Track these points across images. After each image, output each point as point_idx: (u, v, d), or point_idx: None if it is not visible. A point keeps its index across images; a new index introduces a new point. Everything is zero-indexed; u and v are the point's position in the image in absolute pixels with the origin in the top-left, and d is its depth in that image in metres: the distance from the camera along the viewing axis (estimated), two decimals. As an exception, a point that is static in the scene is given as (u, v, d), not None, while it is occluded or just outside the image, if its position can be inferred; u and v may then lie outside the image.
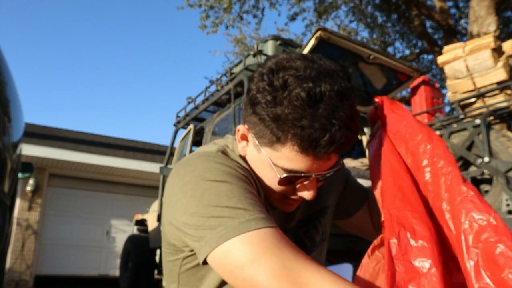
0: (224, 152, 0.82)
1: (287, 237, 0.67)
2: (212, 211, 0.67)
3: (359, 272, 0.70)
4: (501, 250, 0.55)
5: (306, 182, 0.76)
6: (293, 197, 0.80)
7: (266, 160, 0.75)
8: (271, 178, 0.77)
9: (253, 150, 0.79)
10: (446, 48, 3.82)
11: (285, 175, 0.73)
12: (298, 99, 0.66)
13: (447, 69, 3.71)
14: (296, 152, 0.69)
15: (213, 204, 0.67)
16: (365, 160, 3.50)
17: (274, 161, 0.73)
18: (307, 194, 0.76)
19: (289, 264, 0.60)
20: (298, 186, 0.77)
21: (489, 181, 2.88)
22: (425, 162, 0.73)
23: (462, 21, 10.11)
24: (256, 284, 0.60)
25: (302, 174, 0.72)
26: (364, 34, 16.01)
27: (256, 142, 0.76)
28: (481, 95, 3.39)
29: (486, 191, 2.90)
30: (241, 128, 0.80)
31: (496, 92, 3.35)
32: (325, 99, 0.67)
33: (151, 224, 5.64)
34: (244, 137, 0.81)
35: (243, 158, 0.84)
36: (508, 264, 0.53)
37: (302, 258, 0.61)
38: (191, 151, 4.17)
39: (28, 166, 3.12)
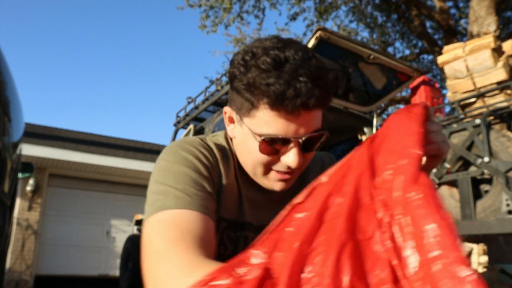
0: (202, 139, 0.86)
1: (212, 229, 0.68)
2: (157, 188, 0.72)
3: None
4: (439, 268, 0.42)
5: (288, 147, 0.76)
6: (280, 169, 0.80)
7: (247, 131, 0.77)
8: (255, 150, 0.77)
9: (238, 128, 0.81)
10: (446, 48, 3.82)
11: (263, 137, 0.74)
12: (264, 63, 0.70)
13: (447, 69, 3.71)
14: (268, 111, 0.72)
15: (160, 181, 0.73)
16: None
17: (254, 130, 0.75)
18: (290, 161, 0.76)
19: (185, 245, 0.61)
20: (281, 155, 0.78)
21: (489, 181, 2.87)
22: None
23: (462, 21, 10.12)
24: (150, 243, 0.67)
25: (280, 136, 0.74)
26: (364, 34, 16.01)
27: (238, 117, 0.79)
28: (481, 95, 3.39)
29: (486, 191, 2.90)
30: (227, 110, 0.83)
31: (496, 92, 3.34)
32: (290, 61, 0.71)
33: (151, 224, 5.63)
34: (231, 119, 0.84)
35: (224, 149, 0.86)
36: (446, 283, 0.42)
37: (202, 245, 0.62)
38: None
39: (28, 166, 3.13)
